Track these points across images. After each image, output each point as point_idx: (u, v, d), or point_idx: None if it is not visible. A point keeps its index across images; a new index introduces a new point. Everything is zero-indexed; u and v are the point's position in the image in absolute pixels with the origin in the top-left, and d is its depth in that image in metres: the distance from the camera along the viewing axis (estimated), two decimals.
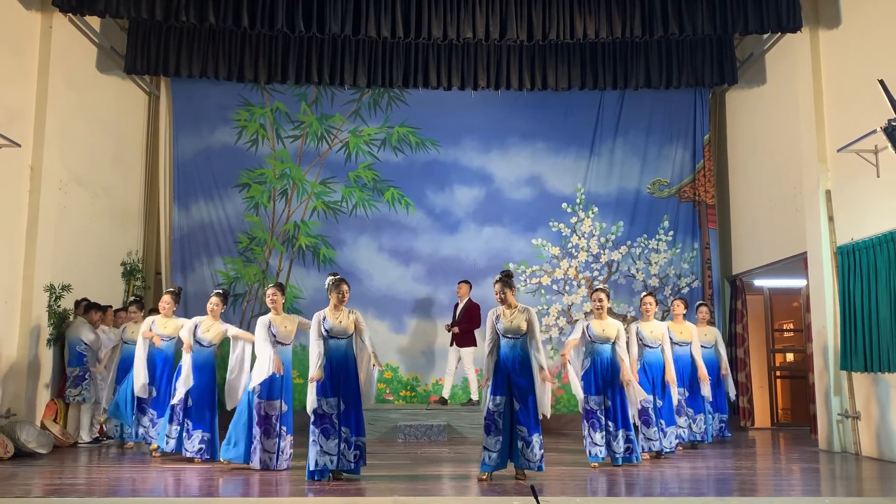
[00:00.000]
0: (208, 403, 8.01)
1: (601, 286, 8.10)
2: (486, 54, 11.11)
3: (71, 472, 7.40)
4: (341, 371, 6.85)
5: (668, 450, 8.31)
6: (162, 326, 8.51)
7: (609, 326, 7.76)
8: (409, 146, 12.05)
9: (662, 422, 8.29)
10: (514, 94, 11.71)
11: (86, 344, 9.30)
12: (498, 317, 6.97)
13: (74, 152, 10.03)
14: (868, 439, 8.40)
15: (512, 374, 6.85)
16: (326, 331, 6.87)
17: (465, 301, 10.87)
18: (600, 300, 7.76)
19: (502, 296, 6.98)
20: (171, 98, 11.84)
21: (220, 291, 8.27)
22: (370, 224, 11.91)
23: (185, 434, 7.87)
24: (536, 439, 6.74)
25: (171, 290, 8.93)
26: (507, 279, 7.04)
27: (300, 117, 12.04)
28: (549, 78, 11.25)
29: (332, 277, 7.05)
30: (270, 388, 7.37)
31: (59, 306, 9.43)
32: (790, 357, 12.60)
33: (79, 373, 9.28)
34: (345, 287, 6.99)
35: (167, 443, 7.90)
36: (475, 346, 10.59)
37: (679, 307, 9.20)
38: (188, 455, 7.85)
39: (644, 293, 8.71)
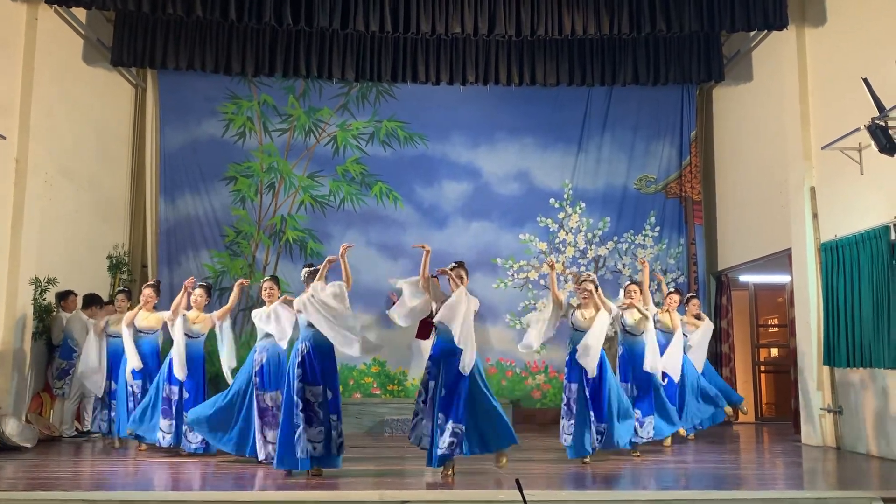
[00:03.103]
0: (203, 396, 8.01)
1: (589, 276, 7.92)
2: (475, 49, 11.12)
3: (56, 465, 7.40)
4: (325, 359, 6.74)
5: (644, 440, 8.16)
6: (143, 319, 8.42)
7: (592, 315, 7.55)
8: (398, 140, 12.05)
9: (638, 412, 8.10)
10: (502, 89, 11.69)
11: (75, 338, 9.28)
12: (442, 303, 6.86)
13: (60, 145, 9.98)
14: (850, 434, 8.51)
15: (442, 360, 6.75)
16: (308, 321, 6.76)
17: None
18: (588, 290, 7.59)
19: (459, 280, 6.85)
20: (158, 90, 11.78)
21: (205, 284, 8.28)
22: (358, 218, 11.91)
23: (186, 427, 7.82)
24: (451, 426, 6.53)
25: (152, 283, 8.88)
26: (464, 266, 7.01)
27: (288, 111, 12.02)
28: (538, 73, 11.27)
29: (307, 269, 6.97)
30: (270, 379, 7.35)
31: (44, 299, 9.40)
32: (774, 352, 12.71)
33: (65, 366, 9.27)
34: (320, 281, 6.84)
35: (164, 438, 7.83)
36: None
37: (674, 301, 9.13)
38: (191, 449, 7.81)
39: (628, 282, 8.71)
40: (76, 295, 9.72)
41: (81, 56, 10.64)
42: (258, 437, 7.26)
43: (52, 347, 9.54)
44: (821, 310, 8.91)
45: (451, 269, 6.96)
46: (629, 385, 8.22)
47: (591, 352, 7.42)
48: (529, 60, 11.22)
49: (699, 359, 9.39)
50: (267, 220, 11.86)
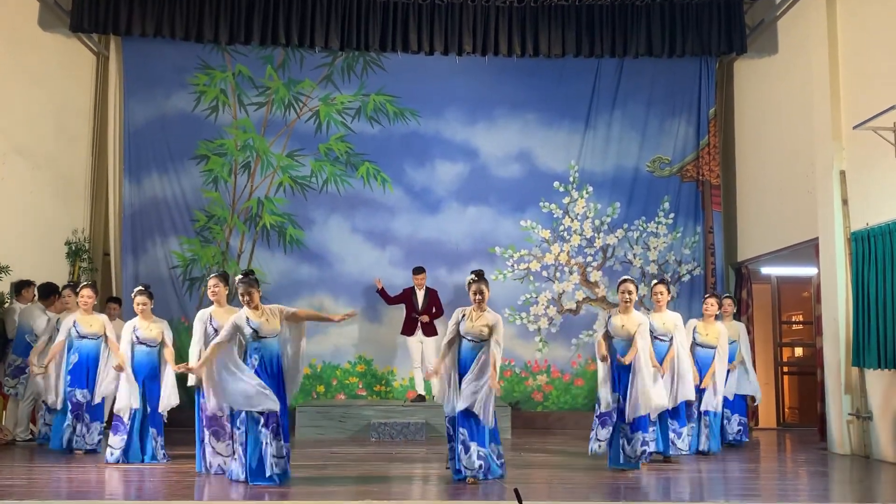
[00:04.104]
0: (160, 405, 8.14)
1: (629, 277, 8.04)
2: (472, 16, 11.07)
3: (9, 472, 7.39)
4: (276, 372, 6.84)
5: (683, 452, 8.31)
6: (87, 325, 8.45)
7: (631, 322, 7.67)
8: (387, 116, 12.00)
9: (675, 423, 8.29)
10: (502, 60, 11.66)
11: (36, 335, 9.24)
12: (464, 316, 7.04)
13: (13, 119, 9.92)
14: (881, 441, 8.53)
15: (465, 376, 6.93)
16: (255, 330, 6.77)
17: (423, 288, 10.98)
18: (629, 292, 7.69)
19: (480, 297, 7.00)
20: (122, 59, 11.67)
21: (142, 288, 8.19)
22: (342, 202, 11.87)
23: (153, 441, 7.97)
24: (475, 448, 6.79)
25: (90, 283, 8.84)
26: (484, 277, 7.11)
27: (265, 82, 11.94)
28: (542, 43, 11.25)
29: (245, 279, 6.88)
30: None
31: None
32: (799, 352, 12.73)
33: (21, 363, 9.23)
34: (254, 291, 6.82)
35: (111, 454, 7.87)
36: (437, 335, 10.71)
37: (712, 306, 9.15)
38: (160, 461, 7.94)
39: (655, 281, 8.68)
40: (34, 285, 9.69)
41: (37, 21, 10.57)
42: (206, 449, 7.30)
43: (4, 342, 9.51)
44: (850, 306, 8.92)
45: (469, 284, 7.09)
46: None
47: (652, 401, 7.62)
48: (532, 29, 11.19)
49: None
50: (242, 204, 11.81)
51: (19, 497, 6.02)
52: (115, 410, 8.02)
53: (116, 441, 7.89)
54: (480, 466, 6.78)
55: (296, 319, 6.94)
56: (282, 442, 6.64)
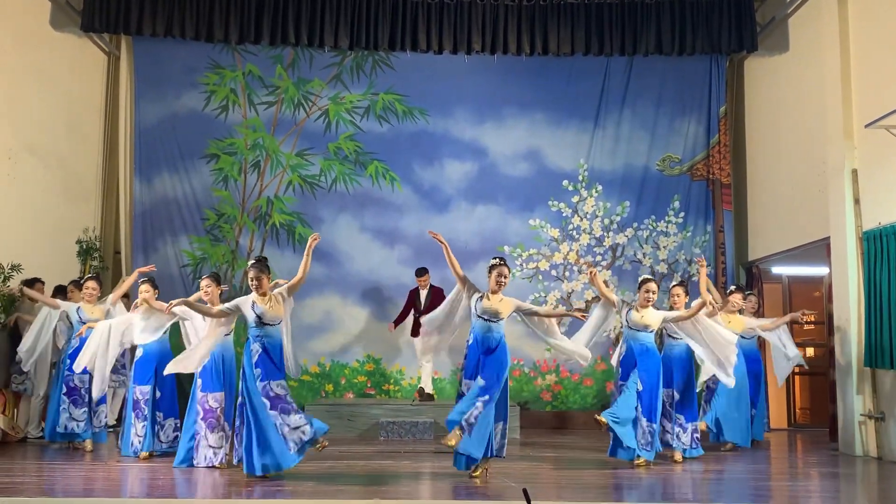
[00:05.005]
0: (174, 389, 8.21)
1: (651, 277, 8.17)
2: (482, 15, 11.05)
3: (21, 469, 7.41)
4: (279, 360, 6.97)
5: (686, 447, 8.26)
6: (89, 312, 8.61)
7: (649, 315, 7.81)
8: (395, 115, 11.99)
9: (681, 417, 8.29)
10: (511, 59, 11.65)
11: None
12: (480, 298, 7.10)
13: (25, 118, 9.96)
14: (893, 442, 8.47)
15: (482, 356, 6.99)
16: (258, 316, 6.85)
17: (427, 288, 10.91)
18: (653, 292, 7.80)
19: (504, 279, 7.12)
20: (133, 59, 11.71)
21: (146, 278, 8.29)
22: (351, 201, 11.87)
23: (157, 427, 8.04)
24: (481, 404, 6.84)
25: (93, 275, 9.02)
26: (506, 263, 7.25)
27: (275, 82, 11.96)
28: (551, 42, 11.23)
29: (258, 264, 7.00)
30: (213, 380, 7.45)
31: (7, 287, 9.40)
32: (810, 352, 12.65)
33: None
34: (264, 277, 6.92)
35: (139, 442, 7.93)
36: None
37: (738, 300, 9.31)
38: (163, 448, 8.02)
39: (673, 283, 8.69)
40: (44, 283, 9.72)
41: (49, 20, 10.61)
42: (201, 441, 7.37)
43: (16, 340, 9.53)
44: (862, 305, 8.87)
45: (493, 267, 7.20)
46: (671, 391, 8.31)
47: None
48: (541, 27, 11.17)
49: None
50: (251, 203, 11.82)
51: (31, 494, 6.03)
52: (118, 396, 8.10)
53: (140, 428, 7.95)
54: (471, 425, 6.72)
55: (296, 286, 7.11)
56: (293, 415, 6.69)
